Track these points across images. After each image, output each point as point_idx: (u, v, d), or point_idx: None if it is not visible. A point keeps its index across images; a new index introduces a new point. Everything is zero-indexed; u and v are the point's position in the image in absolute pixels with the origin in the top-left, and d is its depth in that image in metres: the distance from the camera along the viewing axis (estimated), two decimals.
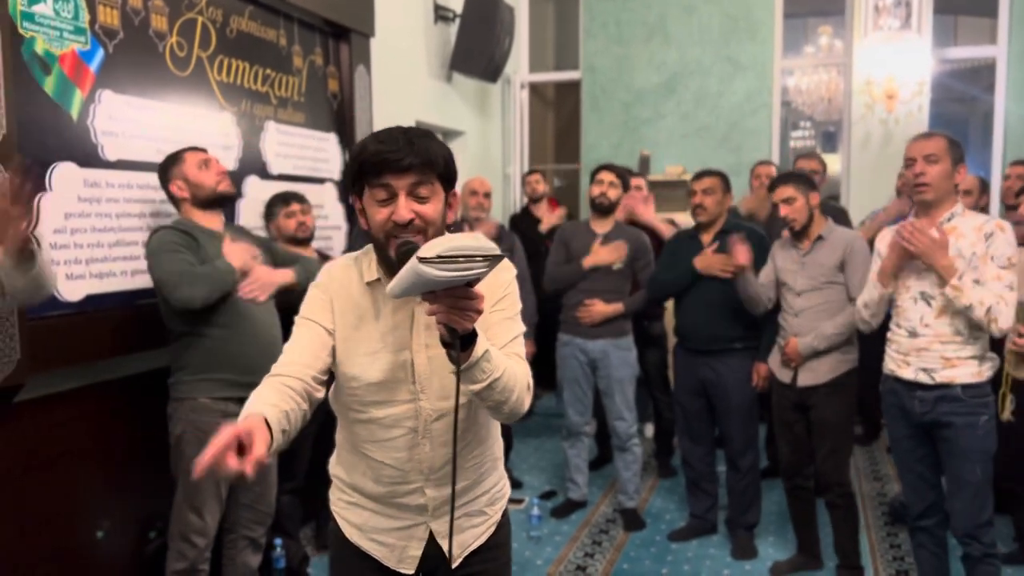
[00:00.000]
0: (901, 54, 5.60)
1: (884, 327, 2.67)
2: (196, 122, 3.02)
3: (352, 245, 3.80)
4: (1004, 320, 2.32)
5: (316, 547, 3.50)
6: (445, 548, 1.59)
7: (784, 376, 3.09)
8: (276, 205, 3.27)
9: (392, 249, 1.40)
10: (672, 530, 3.64)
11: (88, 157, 2.57)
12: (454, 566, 1.60)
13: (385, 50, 4.41)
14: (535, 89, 7.05)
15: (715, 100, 6.08)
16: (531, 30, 6.63)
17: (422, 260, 1.12)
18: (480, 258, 1.14)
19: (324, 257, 3.45)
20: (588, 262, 3.60)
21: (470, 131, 5.76)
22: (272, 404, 1.33)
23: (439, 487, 1.55)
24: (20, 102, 2.31)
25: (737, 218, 3.80)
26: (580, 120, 6.45)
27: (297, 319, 1.52)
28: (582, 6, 6.35)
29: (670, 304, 4.03)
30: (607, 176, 3.63)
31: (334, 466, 1.68)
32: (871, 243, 2.81)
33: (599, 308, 3.59)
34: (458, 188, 1.54)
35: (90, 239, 2.58)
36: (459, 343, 1.25)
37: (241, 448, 1.15)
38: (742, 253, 3.10)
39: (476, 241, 1.15)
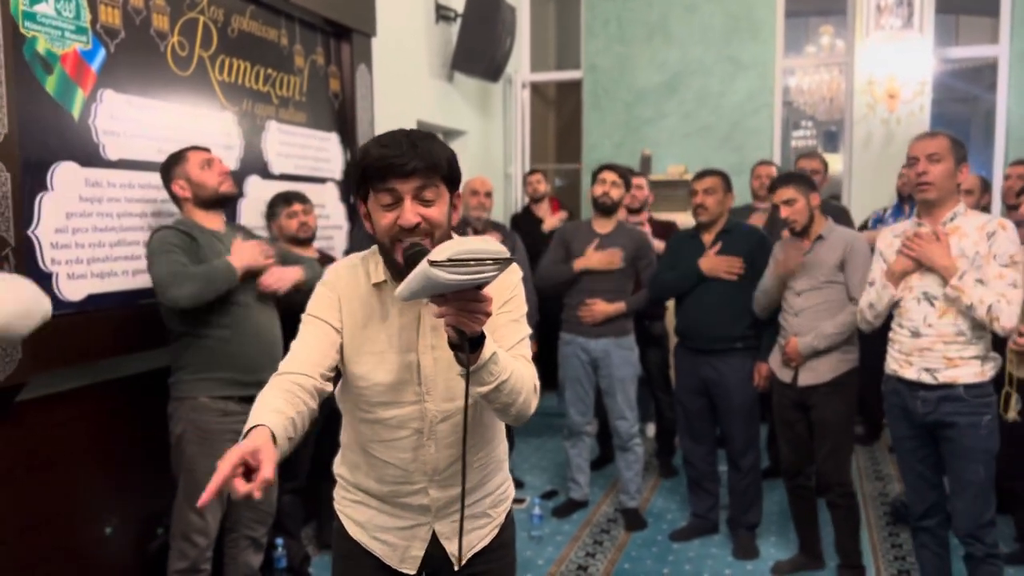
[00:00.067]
0: (903, 53, 5.59)
1: (885, 327, 2.67)
2: (197, 122, 3.02)
3: (353, 245, 3.81)
4: (1007, 318, 2.31)
5: (317, 546, 3.50)
6: (448, 549, 1.59)
7: (785, 376, 3.09)
8: (278, 205, 3.27)
9: (398, 253, 1.40)
10: (674, 530, 3.64)
11: (89, 157, 2.57)
12: (457, 568, 1.60)
13: (386, 50, 4.41)
14: (536, 89, 7.04)
15: (717, 100, 6.07)
16: (532, 29, 6.62)
17: (433, 263, 1.11)
18: (491, 261, 1.14)
19: (325, 257, 3.45)
20: (579, 265, 3.60)
21: (471, 131, 5.76)
22: (278, 411, 1.32)
23: (443, 488, 1.55)
24: (22, 101, 2.31)
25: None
26: (581, 120, 6.44)
27: (304, 317, 1.52)
28: (583, 5, 6.34)
29: (671, 303, 4.02)
30: (609, 176, 3.62)
31: (338, 466, 1.68)
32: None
33: (601, 307, 3.59)
34: (460, 188, 1.54)
35: (91, 239, 2.58)
36: (468, 345, 1.24)
37: (248, 468, 1.16)
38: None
39: (486, 244, 1.15)
